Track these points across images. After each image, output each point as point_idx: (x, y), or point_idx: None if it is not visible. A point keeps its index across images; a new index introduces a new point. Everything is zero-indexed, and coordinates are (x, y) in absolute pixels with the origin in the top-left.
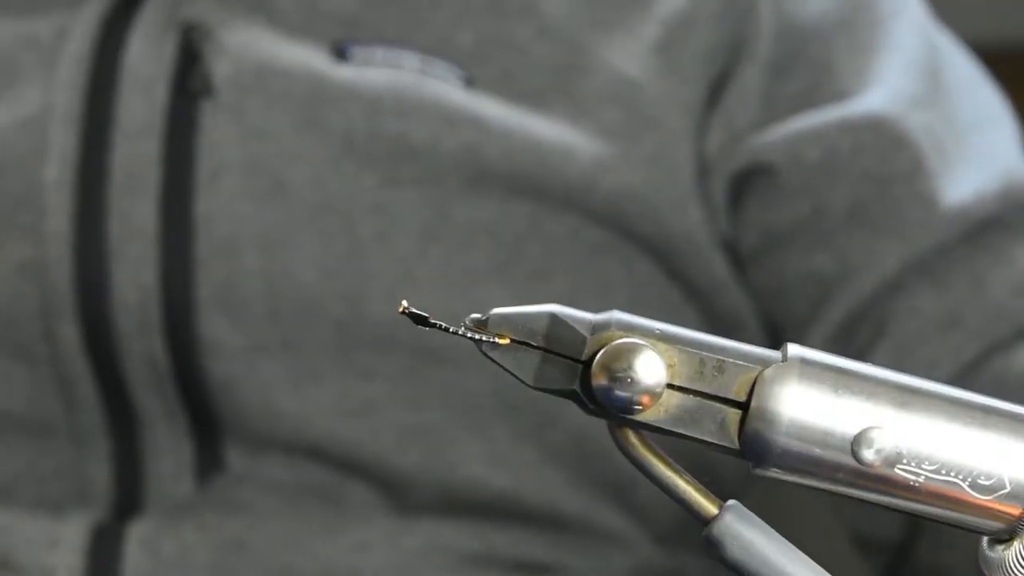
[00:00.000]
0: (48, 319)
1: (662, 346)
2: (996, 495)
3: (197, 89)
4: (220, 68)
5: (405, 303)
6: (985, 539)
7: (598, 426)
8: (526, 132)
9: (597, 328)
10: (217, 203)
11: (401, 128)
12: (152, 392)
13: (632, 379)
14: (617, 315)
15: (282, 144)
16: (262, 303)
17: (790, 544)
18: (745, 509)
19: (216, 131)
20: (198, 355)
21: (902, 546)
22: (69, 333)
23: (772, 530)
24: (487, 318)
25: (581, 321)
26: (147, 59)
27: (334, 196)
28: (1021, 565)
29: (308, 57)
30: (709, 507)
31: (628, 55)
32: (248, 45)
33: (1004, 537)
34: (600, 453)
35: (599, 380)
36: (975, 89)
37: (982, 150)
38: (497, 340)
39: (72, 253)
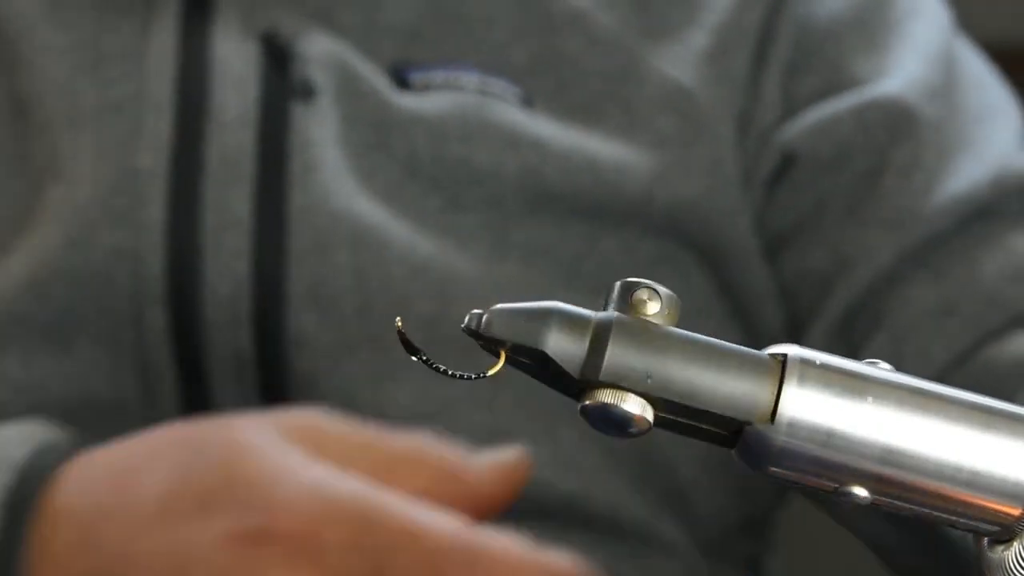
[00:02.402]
0: (137, 305)
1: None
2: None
3: (297, 90)
4: (311, 74)
5: (399, 321)
6: (985, 539)
7: (662, 433)
8: (583, 151)
9: (586, 372)
10: (310, 199)
11: (465, 152)
12: (232, 385)
13: (619, 425)
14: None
15: (357, 157)
16: (352, 299)
17: None
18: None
19: (308, 131)
20: (284, 349)
21: None
22: (157, 320)
23: None
24: (486, 316)
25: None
26: (234, 58)
27: (403, 214)
28: (1021, 565)
29: (373, 78)
30: None
31: (679, 63)
32: (329, 56)
33: (1004, 537)
34: (663, 461)
35: (588, 415)
36: (984, 84)
37: (982, 141)
38: (490, 372)
39: (166, 242)
